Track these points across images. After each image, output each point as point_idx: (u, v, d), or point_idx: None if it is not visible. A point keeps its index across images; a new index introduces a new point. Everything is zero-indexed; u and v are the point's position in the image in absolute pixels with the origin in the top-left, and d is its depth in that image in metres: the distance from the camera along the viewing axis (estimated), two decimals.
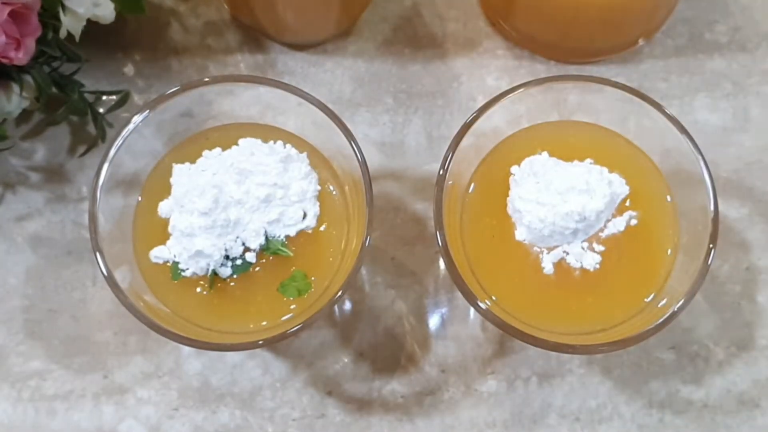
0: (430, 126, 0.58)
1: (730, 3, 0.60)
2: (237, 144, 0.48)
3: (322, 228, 0.48)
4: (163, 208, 0.47)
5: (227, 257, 0.46)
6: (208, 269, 0.46)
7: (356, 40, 0.60)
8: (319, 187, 0.48)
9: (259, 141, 0.48)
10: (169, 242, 0.46)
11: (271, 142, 0.48)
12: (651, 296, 0.45)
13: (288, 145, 0.48)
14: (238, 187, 0.46)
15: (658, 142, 0.47)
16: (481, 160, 0.48)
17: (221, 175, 0.46)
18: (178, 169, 0.47)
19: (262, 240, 0.47)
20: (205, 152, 0.48)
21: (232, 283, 0.47)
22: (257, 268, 0.47)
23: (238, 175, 0.46)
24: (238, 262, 0.47)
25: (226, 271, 0.46)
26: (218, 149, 0.48)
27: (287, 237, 0.47)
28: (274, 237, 0.47)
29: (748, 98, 0.58)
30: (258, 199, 0.46)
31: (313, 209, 0.47)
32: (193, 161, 0.48)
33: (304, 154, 0.48)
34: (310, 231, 0.47)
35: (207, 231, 0.46)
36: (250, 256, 0.47)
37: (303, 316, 0.45)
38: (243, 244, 0.46)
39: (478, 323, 0.54)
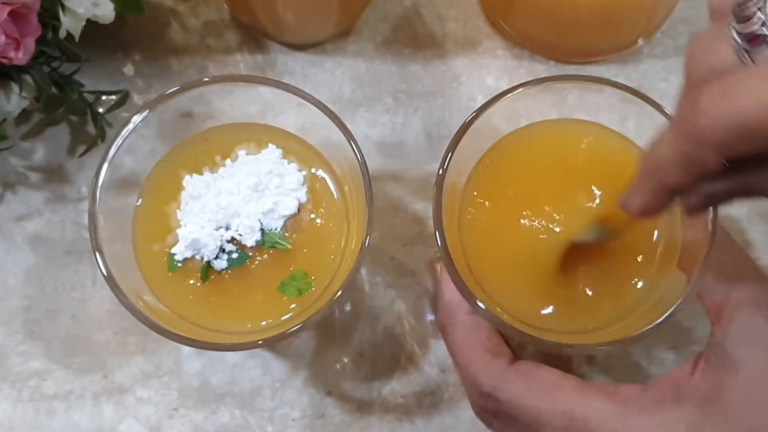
0: (430, 126, 0.58)
1: None
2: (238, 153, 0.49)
3: (319, 223, 0.48)
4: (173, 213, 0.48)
5: (222, 250, 0.47)
6: (202, 258, 0.46)
7: (356, 40, 0.60)
8: (304, 172, 0.48)
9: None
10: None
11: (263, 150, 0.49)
12: (650, 295, 0.45)
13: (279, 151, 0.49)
14: (231, 179, 0.47)
15: None
16: (480, 159, 0.48)
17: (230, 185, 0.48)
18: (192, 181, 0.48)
19: (258, 236, 0.47)
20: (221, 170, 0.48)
21: (227, 277, 0.47)
22: (255, 263, 0.47)
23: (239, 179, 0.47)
24: (234, 255, 0.47)
25: (221, 264, 0.47)
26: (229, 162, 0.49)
27: (284, 230, 0.47)
28: (270, 230, 0.47)
29: None
30: (249, 188, 0.46)
31: (304, 197, 0.48)
32: (192, 162, 0.48)
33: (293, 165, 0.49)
34: (298, 213, 0.48)
35: (203, 220, 0.46)
36: (247, 249, 0.47)
37: (302, 316, 0.45)
38: (240, 235, 0.47)
39: None
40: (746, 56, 0.31)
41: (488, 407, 0.41)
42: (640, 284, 0.45)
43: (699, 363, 0.38)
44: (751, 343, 0.37)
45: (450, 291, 0.42)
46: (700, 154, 0.30)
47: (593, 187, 0.46)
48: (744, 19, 0.30)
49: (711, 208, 0.42)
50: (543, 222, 0.46)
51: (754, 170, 0.31)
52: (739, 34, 0.31)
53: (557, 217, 0.46)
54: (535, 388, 0.40)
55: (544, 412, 0.39)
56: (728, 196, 0.33)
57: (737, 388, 0.36)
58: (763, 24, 0.30)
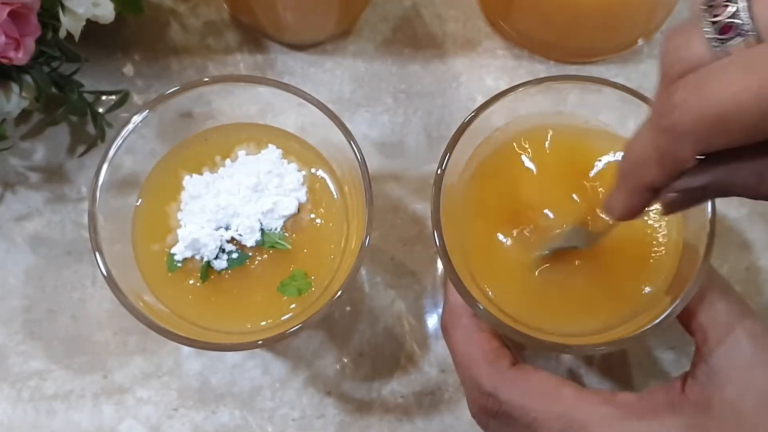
0: (430, 126, 0.58)
1: None
2: (238, 152, 0.49)
3: (319, 223, 0.48)
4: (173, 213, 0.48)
5: (222, 250, 0.47)
6: (202, 258, 0.46)
7: (356, 40, 0.60)
8: (304, 172, 0.48)
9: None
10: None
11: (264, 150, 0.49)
12: (649, 297, 0.45)
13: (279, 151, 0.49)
14: (231, 179, 0.47)
15: None
16: (479, 159, 0.48)
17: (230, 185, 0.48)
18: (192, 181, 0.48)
19: (258, 236, 0.47)
20: (221, 170, 0.48)
21: (227, 277, 0.47)
22: (255, 263, 0.47)
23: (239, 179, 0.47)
24: (234, 255, 0.47)
25: (221, 264, 0.47)
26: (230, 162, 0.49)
27: (284, 230, 0.47)
28: (270, 230, 0.47)
29: None
30: (248, 188, 0.46)
31: (304, 197, 0.48)
32: (192, 162, 0.48)
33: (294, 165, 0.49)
34: (297, 213, 0.48)
35: (203, 220, 0.46)
36: (247, 249, 0.47)
37: (302, 316, 0.45)
38: (240, 235, 0.47)
39: None
40: (720, 47, 0.30)
41: (488, 407, 0.41)
42: (642, 290, 0.45)
43: (687, 380, 0.40)
44: (737, 362, 0.39)
45: (453, 293, 0.43)
46: (675, 149, 0.30)
47: (587, 186, 0.46)
48: (715, 8, 0.30)
49: (709, 209, 0.42)
50: (539, 222, 0.46)
51: (729, 165, 0.31)
52: (711, 24, 0.30)
53: (552, 217, 0.46)
54: (536, 390, 0.40)
55: (543, 413, 0.39)
56: (704, 192, 0.33)
57: (725, 403, 0.38)
58: (735, 13, 0.30)
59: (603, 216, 0.42)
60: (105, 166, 0.46)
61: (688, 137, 0.29)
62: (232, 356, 0.54)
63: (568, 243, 0.45)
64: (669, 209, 0.34)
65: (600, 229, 0.43)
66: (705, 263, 0.41)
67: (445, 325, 0.44)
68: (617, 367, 0.53)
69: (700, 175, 0.32)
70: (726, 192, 0.32)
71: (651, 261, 0.45)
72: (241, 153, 0.49)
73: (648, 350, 0.53)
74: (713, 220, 0.42)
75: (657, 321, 0.41)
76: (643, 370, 0.53)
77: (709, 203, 0.42)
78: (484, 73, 0.59)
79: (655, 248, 0.46)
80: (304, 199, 0.48)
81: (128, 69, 0.59)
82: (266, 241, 0.47)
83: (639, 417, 0.39)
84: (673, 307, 0.41)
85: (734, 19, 0.30)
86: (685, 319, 0.42)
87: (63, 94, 0.54)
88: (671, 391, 0.40)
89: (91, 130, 0.57)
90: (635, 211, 0.35)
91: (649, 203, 0.34)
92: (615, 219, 0.36)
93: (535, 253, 0.46)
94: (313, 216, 0.48)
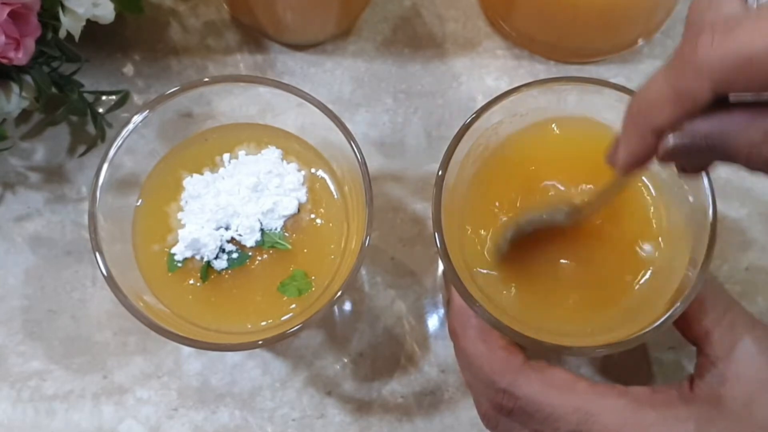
0: (430, 126, 0.58)
1: None
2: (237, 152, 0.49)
3: (319, 223, 0.48)
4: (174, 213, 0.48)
5: (222, 250, 0.47)
6: (202, 258, 0.46)
7: (356, 40, 0.60)
8: (304, 172, 0.48)
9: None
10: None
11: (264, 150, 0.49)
12: (649, 299, 0.45)
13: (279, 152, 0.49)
14: (231, 179, 0.47)
15: None
16: (480, 160, 0.48)
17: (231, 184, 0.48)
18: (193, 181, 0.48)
19: (258, 236, 0.47)
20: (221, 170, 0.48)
21: (227, 276, 0.47)
22: (255, 263, 0.47)
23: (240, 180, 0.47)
24: (234, 255, 0.47)
25: (221, 264, 0.47)
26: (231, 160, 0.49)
27: (284, 230, 0.47)
28: (270, 230, 0.47)
29: None
30: (248, 188, 0.47)
31: (304, 197, 0.48)
32: (192, 162, 0.48)
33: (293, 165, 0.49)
34: (297, 213, 0.48)
35: (203, 220, 0.46)
36: (247, 249, 0.47)
37: (302, 316, 0.45)
38: (240, 235, 0.47)
39: None
40: (754, 2, 0.31)
41: (503, 404, 0.41)
42: (643, 291, 0.45)
43: (695, 380, 0.41)
44: (745, 364, 0.40)
45: (458, 295, 0.43)
46: (695, 85, 0.30)
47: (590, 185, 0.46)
48: None
49: (710, 212, 0.42)
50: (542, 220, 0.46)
51: (739, 116, 0.31)
52: None
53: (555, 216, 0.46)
54: (551, 385, 0.41)
55: (559, 407, 0.40)
56: (707, 142, 0.32)
57: (735, 399, 0.39)
58: None
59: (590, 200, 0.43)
60: (105, 166, 0.46)
61: (710, 74, 0.30)
62: (232, 356, 0.54)
63: (549, 217, 0.44)
64: (666, 157, 0.33)
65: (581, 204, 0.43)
66: (706, 266, 0.41)
67: (452, 327, 0.44)
68: (617, 367, 0.53)
69: (708, 121, 0.31)
70: (727, 150, 0.32)
71: (652, 268, 0.46)
72: (241, 153, 0.49)
73: (647, 351, 0.53)
74: (714, 224, 0.42)
75: (657, 323, 0.41)
76: (643, 371, 0.53)
77: (710, 207, 0.42)
78: (484, 73, 0.59)
79: (657, 250, 0.46)
80: (304, 199, 0.48)
81: (128, 69, 0.59)
82: (266, 241, 0.47)
83: (652, 407, 0.40)
84: (673, 309, 0.41)
85: None
86: (684, 324, 0.43)
87: (63, 94, 0.54)
88: (681, 388, 0.41)
89: (91, 130, 0.57)
90: (638, 158, 0.35)
91: (652, 151, 0.34)
92: (618, 168, 0.36)
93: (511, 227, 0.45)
94: (313, 216, 0.48)
